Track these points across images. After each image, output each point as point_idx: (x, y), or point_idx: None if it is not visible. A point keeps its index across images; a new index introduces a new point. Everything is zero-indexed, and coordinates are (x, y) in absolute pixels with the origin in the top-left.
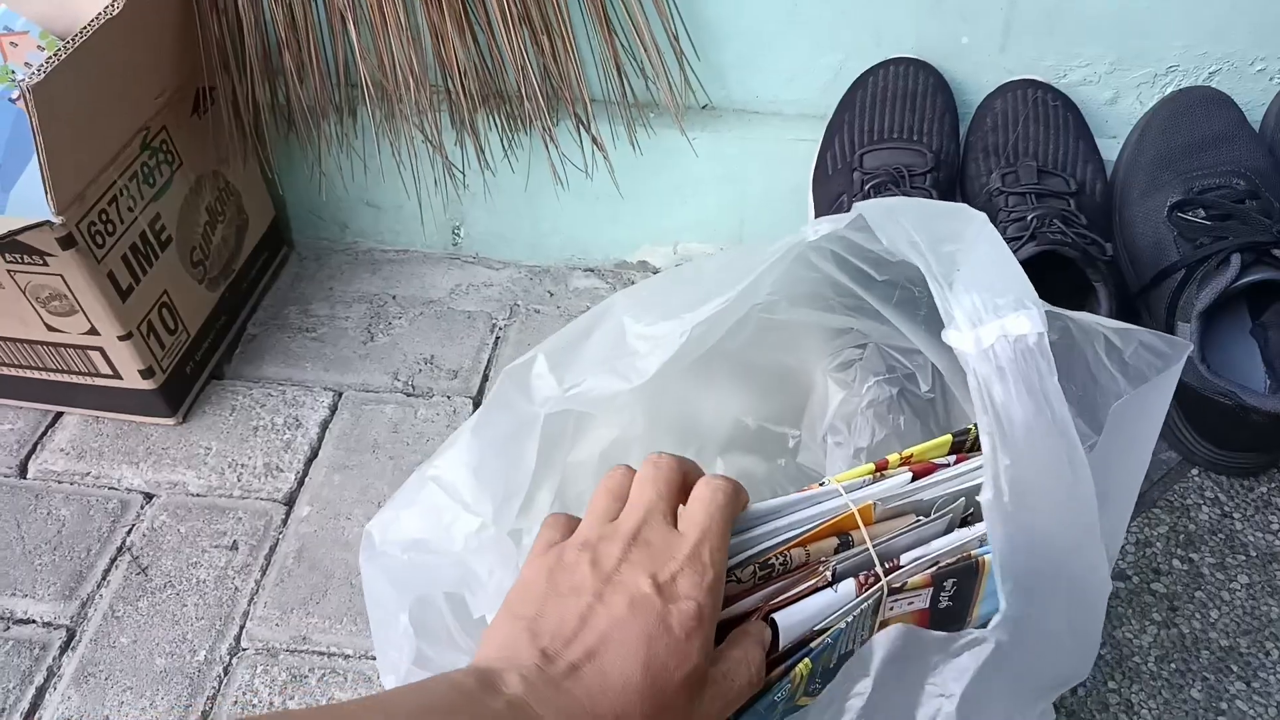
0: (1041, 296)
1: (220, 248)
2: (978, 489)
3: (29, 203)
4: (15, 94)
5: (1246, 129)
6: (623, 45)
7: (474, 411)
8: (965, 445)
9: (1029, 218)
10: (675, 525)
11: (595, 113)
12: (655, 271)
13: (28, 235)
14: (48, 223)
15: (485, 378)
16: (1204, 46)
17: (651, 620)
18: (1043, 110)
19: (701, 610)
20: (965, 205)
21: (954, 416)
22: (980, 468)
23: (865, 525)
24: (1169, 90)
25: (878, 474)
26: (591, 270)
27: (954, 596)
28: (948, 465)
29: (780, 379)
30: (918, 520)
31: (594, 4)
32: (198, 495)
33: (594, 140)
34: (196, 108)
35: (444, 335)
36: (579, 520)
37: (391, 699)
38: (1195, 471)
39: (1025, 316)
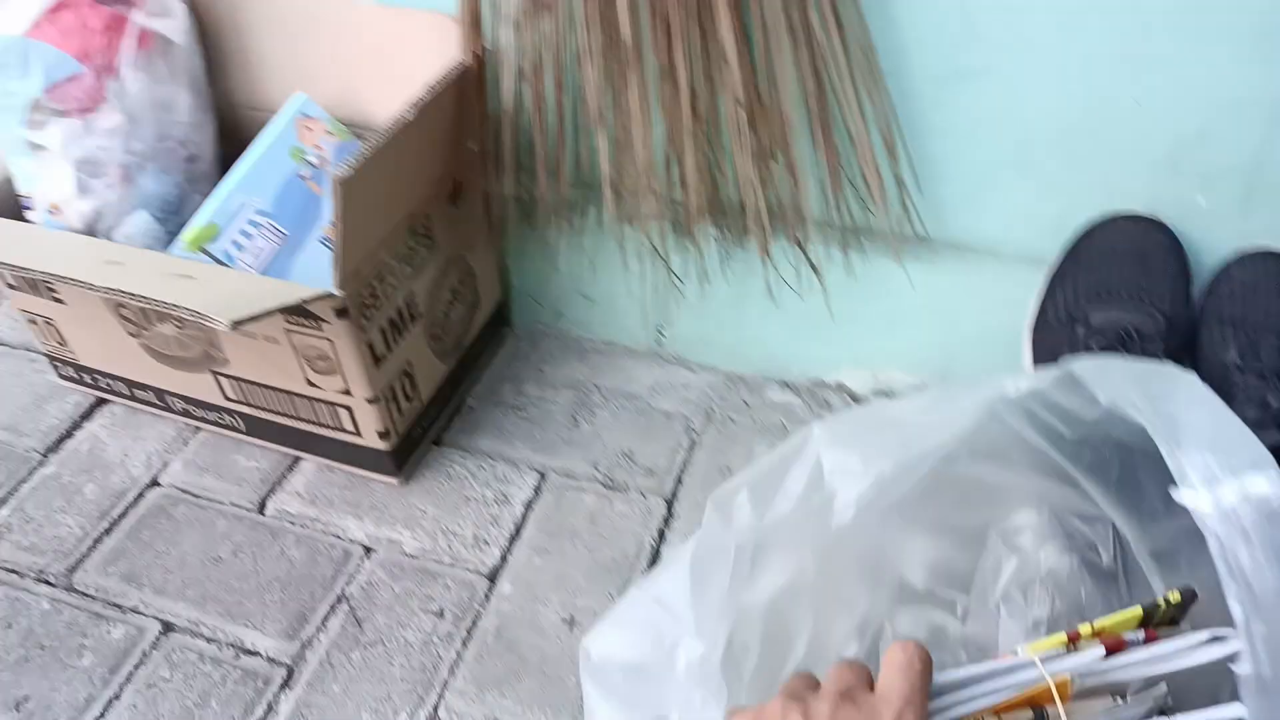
0: None
1: (455, 325)
2: (1176, 673)
3: (311, 270)
4: (306, 173)
5: None
6: (847, 174)
7: (667, 512)
8: (1154, 619)
9: (1271, 402)
10: (875, 693)
11: (814, 235)
12: (852, 395)
13: (312, 303)
14: (331, 294)
15: (679, 481)
16: None
17: None
18: None
19: None
20: (1172, 365)
21: (1135, 589)
22: (1180, 651)
23: (1062, 702)
24: None
25: (1070, 646)
26: (788, 385)
27: None
28: (1138, 642)
29: (953, 538)
30: (1116, 703)
31: (824, 133)
32: (412, 556)
33: (810, 263)
34: (453, 198)
35: (643, 431)
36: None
37: None
38: None
39: (1264, 477)
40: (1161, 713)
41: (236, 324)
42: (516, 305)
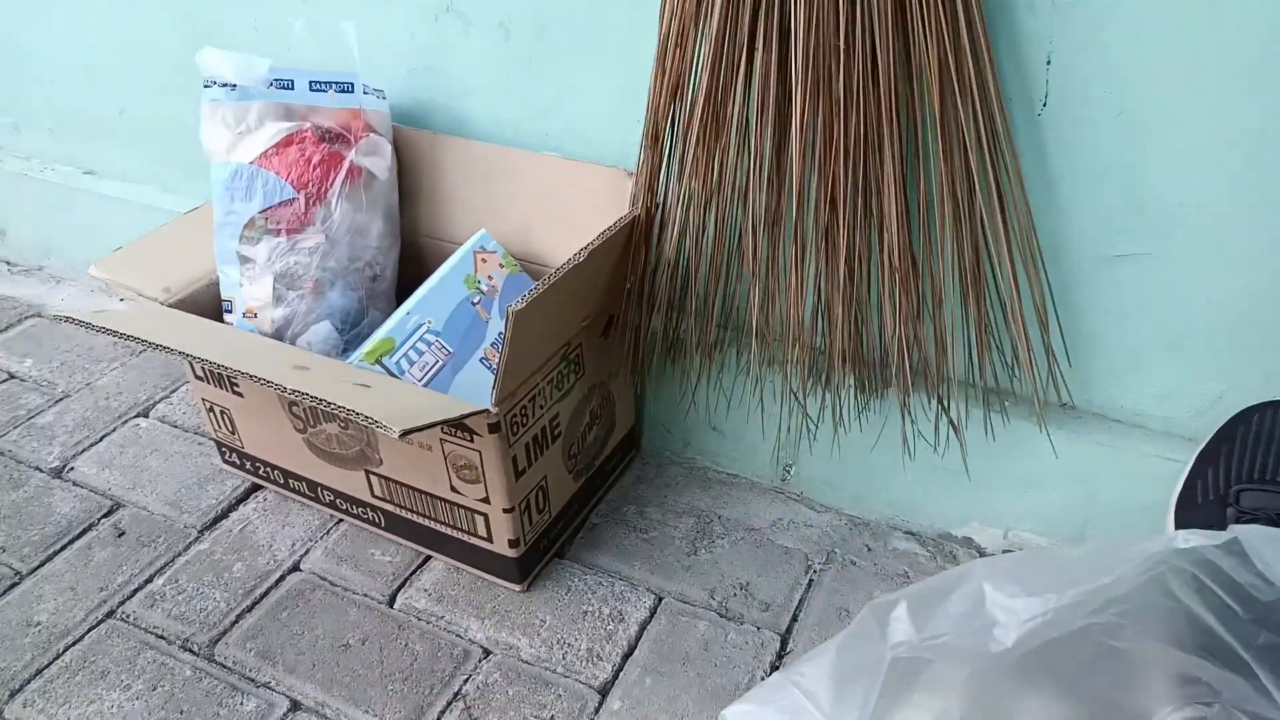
0: None
1: (591, 445)
2: None
3: (469, 386)
4: (476, 299)
5: None
6: (995, 341)
7: (780, 647)
8: None
9: None
10: None
11: (954, 391)
12: (979, 550)
13: (469, 418)
14: (487, 410)
15: (794, 618)
16: None
17: None
18: None
19: None
20: None
21: None
22: None
23: None
24: None
25: None
26: (913, 535)
27: None
28: None
29: (1109, 714)
30: None
31: (975, 298)
32: (527, 663)
33: (951, 424)
34: (606, 329)
35: (761, 565)
36: None
37: None
38: None
39: None
40: None
41: (406, 433)
42: (649, 431)
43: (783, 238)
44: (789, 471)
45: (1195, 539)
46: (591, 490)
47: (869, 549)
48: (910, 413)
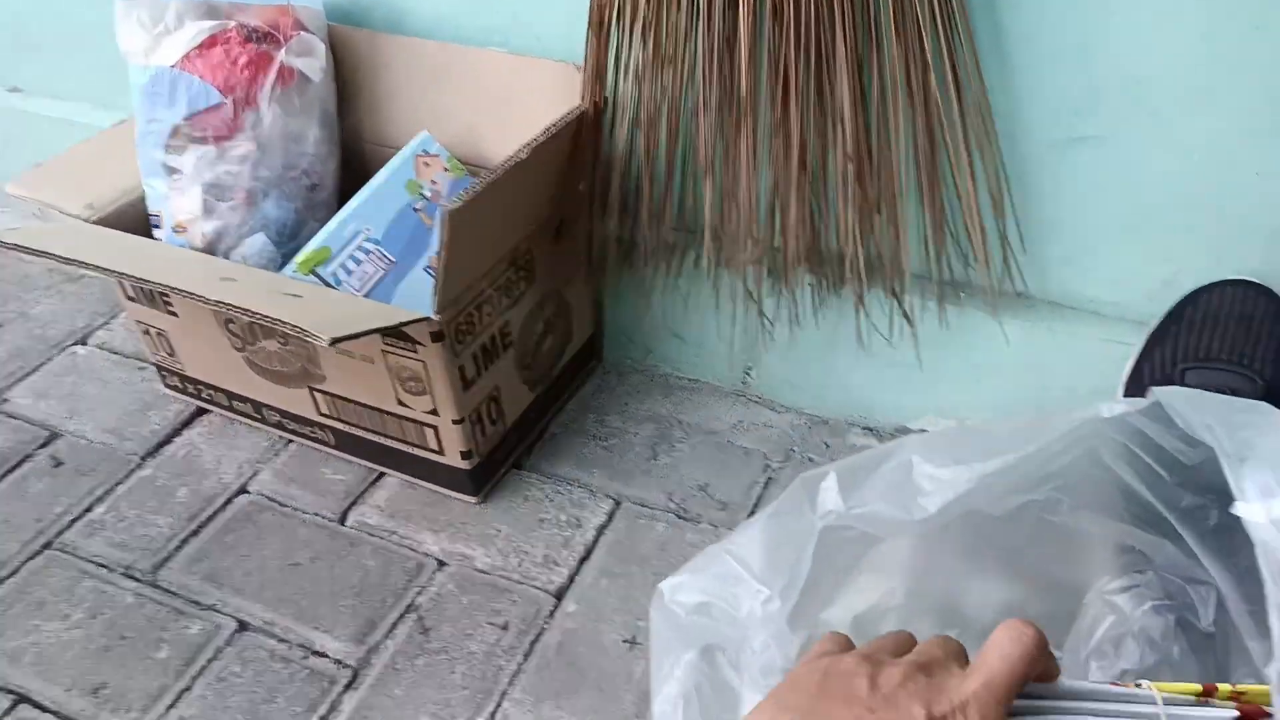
0: None
1: (546, 355)
2: None
3: (413, 296)
4: (419, 205)
5: None
6: (950, 230)
7: None
8: None
9: None
10: (958, 672)
11: (909, 285)
12: None
13: (410, 326)
14: (428, 319)
15: (751, 515)
16: None
17: None
18: None
19: None
20: (1265, 403)
21: (1234, 656)
22: None
23: None
24: None
25: (1203, 698)
26: (870, 430)
27: None
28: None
29: (1050, 588)
30: None
31: (931, 190)
32: (483, 572)
33: (905, 315)
34: (557, 234)
35: (720, 466)
36: (852, 644)
37: None
38: None
39: None
40: None
41: (335, 341)
42: (608, 340)
43: (735, 129)
44: (750, 374)
45: (1120, 407)
46: (549, 401)
47: (827, 446)
48: (865, 307)
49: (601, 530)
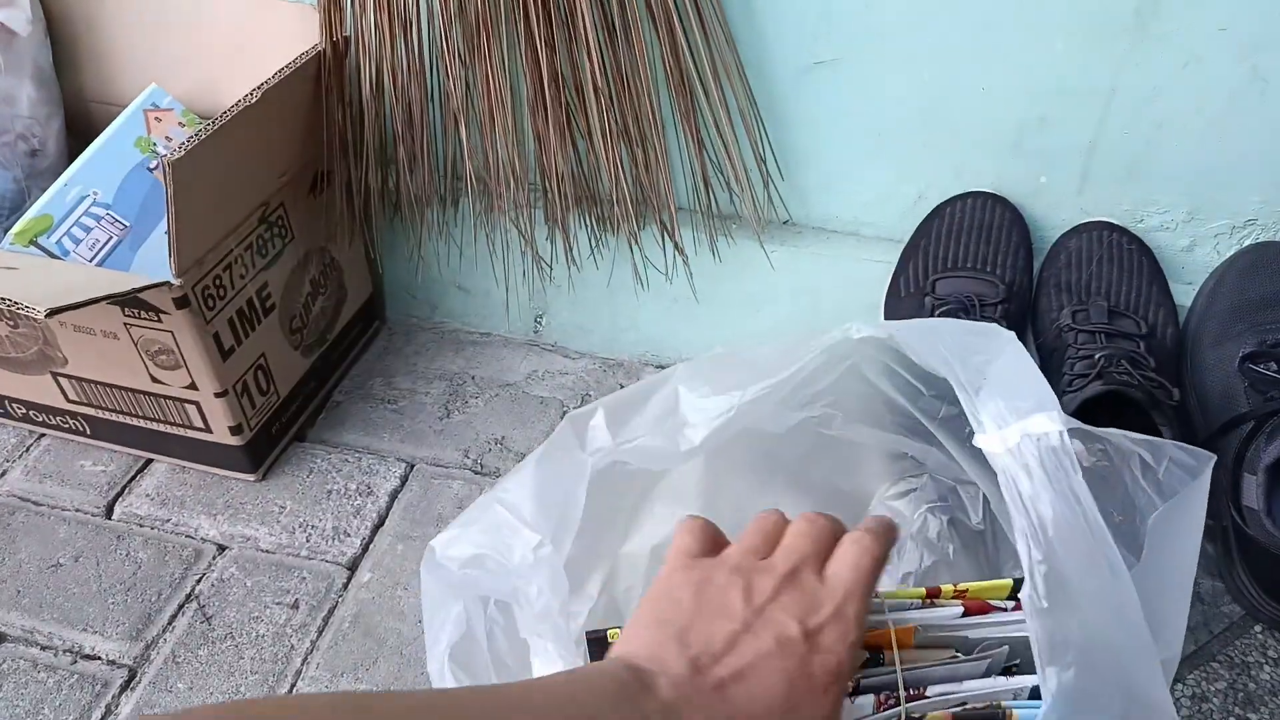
0: None
1: (318, 318)
2: (1027, 641)
3: (154, 263)
4: (154, 164)
5: None
6: (711, 161)
7: None
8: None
9: (1097, 356)
10: (823, 578)
11: (680, 221)
12: None
13: (147, 293)
14: (167, 283)
15: None
16: None
17: (795, 664)
18: (1117, 252)
19: (841, 666)
20: (996, 325)
21: (1003, 552)
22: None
23: (902, 648)
24: (1246, 243)
25: (928, 600)
26: (663, 368)
27: None
28: (1004, 610)
29: (837, 497)
30: (956, 656)
31: (688, 123)
32: (267, 552)
33: (676, 247)
34: (314, 188)
35: (516, 418)
36: (717, 532)
37: (554, 682)
38: (1259, 629)
39: (1047, 417)
40: (1004, 672)
41: (53, 313)
42: (390, 299)
43: (481, 63)
44: (540, 322)
45: (866, 330)
46: (330, 366)
47: (622, 387)
48: (640, 245)
49: (395, 495)
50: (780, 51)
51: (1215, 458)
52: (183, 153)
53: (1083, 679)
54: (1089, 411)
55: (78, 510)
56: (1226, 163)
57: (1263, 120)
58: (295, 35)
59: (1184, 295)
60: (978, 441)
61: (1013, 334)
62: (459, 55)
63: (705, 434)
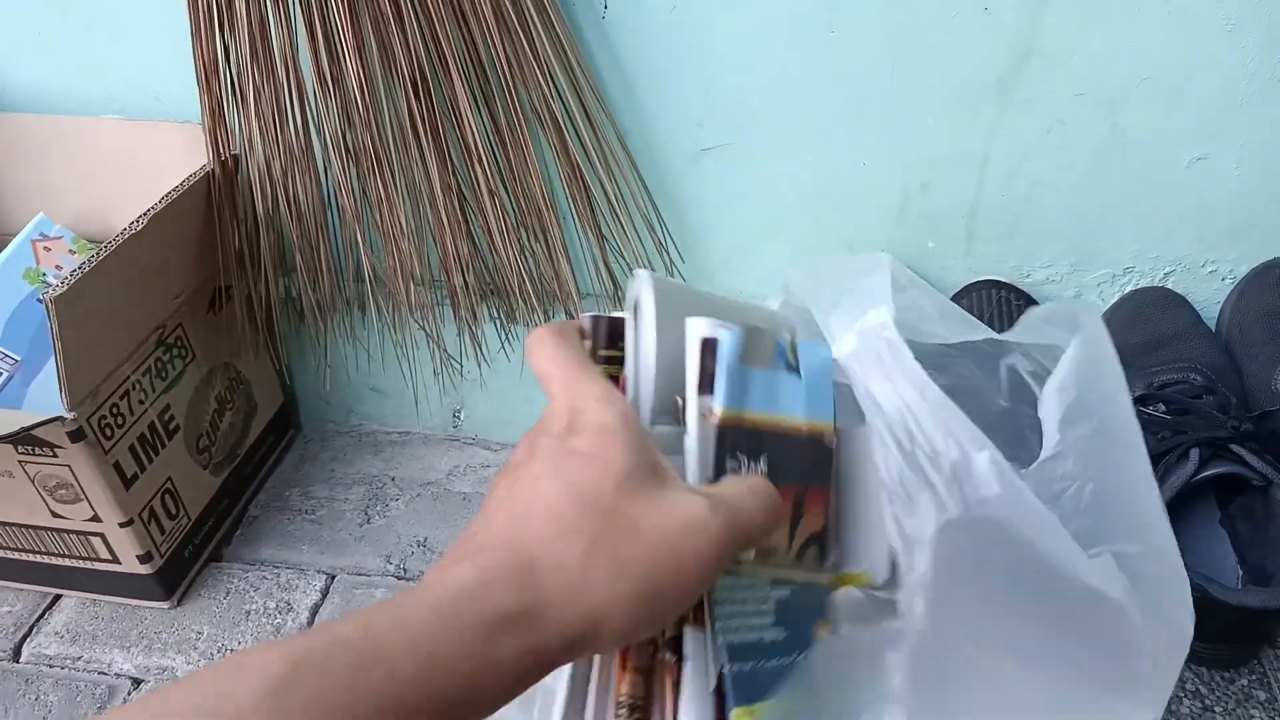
0: None
1: (227, 434)
2: None
3: (48, 397)
4: (44, 294)
5: (1201, 327)
6: (611, 247)
7: None
8: None
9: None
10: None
11: (585, 306)
12: None
13: (40, 429)
14: (59, 419)
15: None
16: (1155, 250)
17: (556, 456)
18: (1006, 309)
19: (607, 423)
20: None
21: None
22: None
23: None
24: (1128, 289)
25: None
26: None
27: None
28: None
29: None
30: None
31: (585, 214)
32: None
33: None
34: (213, 305)
35: (439, 517)
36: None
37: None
38: None
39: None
40: None
41: None
42: (303, 406)
43: (377, 175)
44: (459, 416)
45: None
46: (243, 481)
47: None
48: None
49: (316, 609)
50: (668, 141)
51: (1099, 310)
52: (65, 288)
53: None
54: None
55: None
56: (1100, 215)
57: (1126, 173)
58: (185, 152)
59: None
60: (832, 353)
61: (888, 256)
62: (352, 165)
63: None
